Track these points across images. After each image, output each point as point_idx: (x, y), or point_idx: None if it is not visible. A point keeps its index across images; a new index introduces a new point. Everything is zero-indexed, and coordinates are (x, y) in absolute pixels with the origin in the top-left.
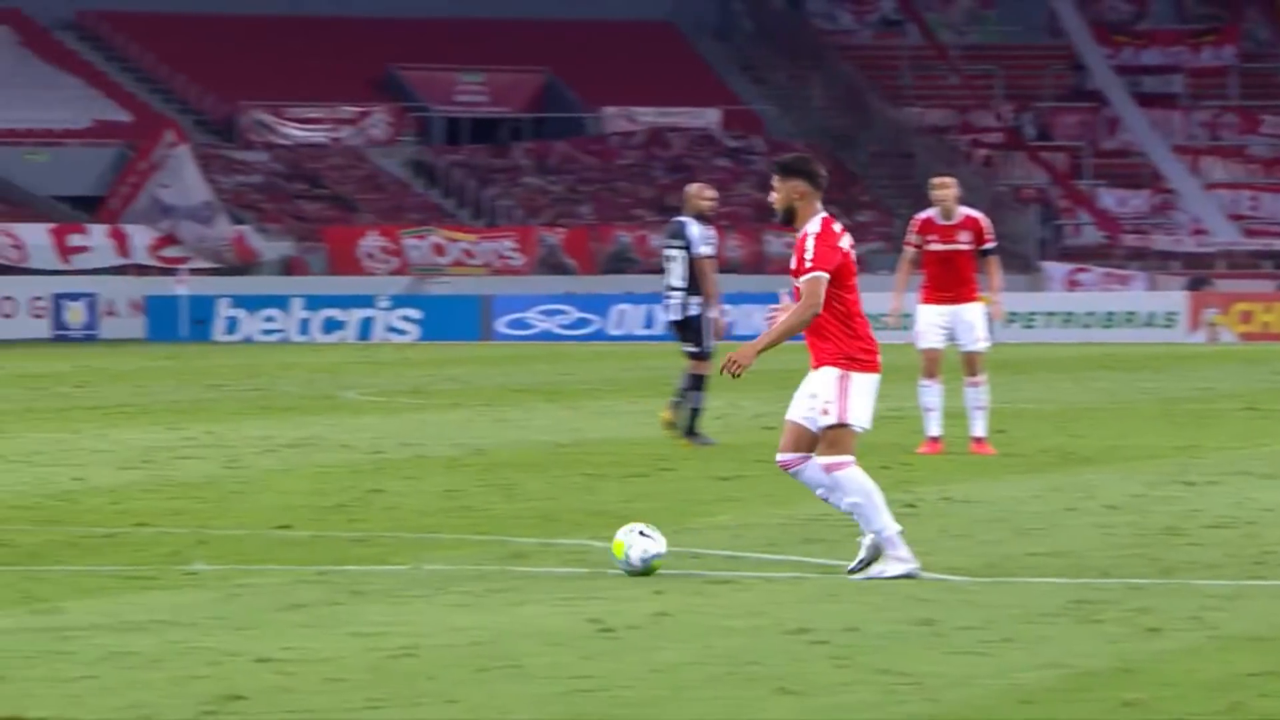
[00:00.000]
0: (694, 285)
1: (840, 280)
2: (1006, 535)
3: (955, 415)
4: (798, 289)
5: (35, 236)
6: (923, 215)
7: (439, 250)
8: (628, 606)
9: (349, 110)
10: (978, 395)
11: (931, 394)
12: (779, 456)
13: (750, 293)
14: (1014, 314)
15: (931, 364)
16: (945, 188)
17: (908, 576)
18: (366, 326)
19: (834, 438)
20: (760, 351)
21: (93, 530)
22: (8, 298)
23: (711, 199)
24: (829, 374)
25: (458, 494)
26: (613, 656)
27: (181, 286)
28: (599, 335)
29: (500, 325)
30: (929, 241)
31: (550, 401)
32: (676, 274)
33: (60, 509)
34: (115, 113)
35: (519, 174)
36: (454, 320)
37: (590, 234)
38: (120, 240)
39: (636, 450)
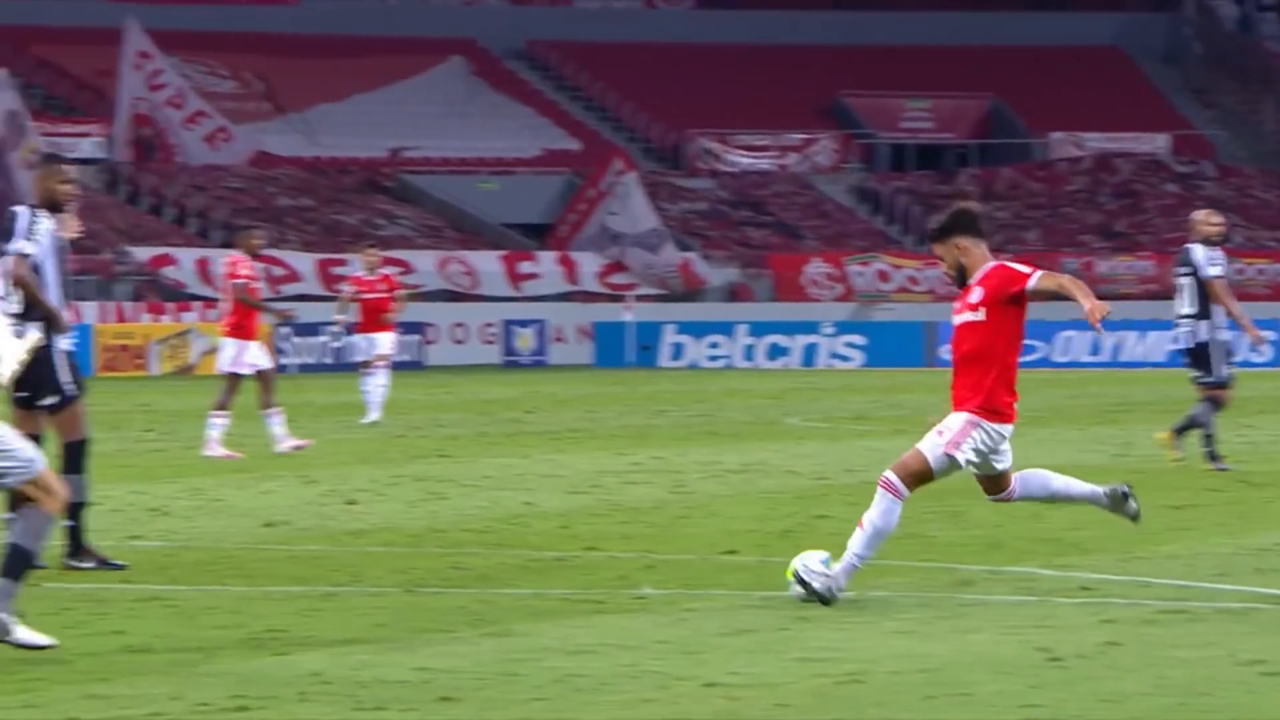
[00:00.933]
0: (1203, 311)
1: (1020, 317)
2: None
3: None
4: (965, 325)
5: (486, 264)
6: None
7: (883, 277)
8: (1077, 635)
9: (795, 137)
10: None
11: None
12: (885, 473)
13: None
14: None
15: None
16: None
17: (821, 594)
18: (810, 353)
19: (918, 462)
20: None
21: (542, 554)
22: (459, 324)
23: (1218, 224)
24: (960, 415)
25: (903, 521)
26: (1063, 686)
27: (628, 313)
28: (1043, 362)
29: (944, 352)
30: None
31: None
32: (1185, 301)
33: (511, 532)
34: (564, 141)
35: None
36: (898, 346)
37: (1037, 260)
38: (569, 267)
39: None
